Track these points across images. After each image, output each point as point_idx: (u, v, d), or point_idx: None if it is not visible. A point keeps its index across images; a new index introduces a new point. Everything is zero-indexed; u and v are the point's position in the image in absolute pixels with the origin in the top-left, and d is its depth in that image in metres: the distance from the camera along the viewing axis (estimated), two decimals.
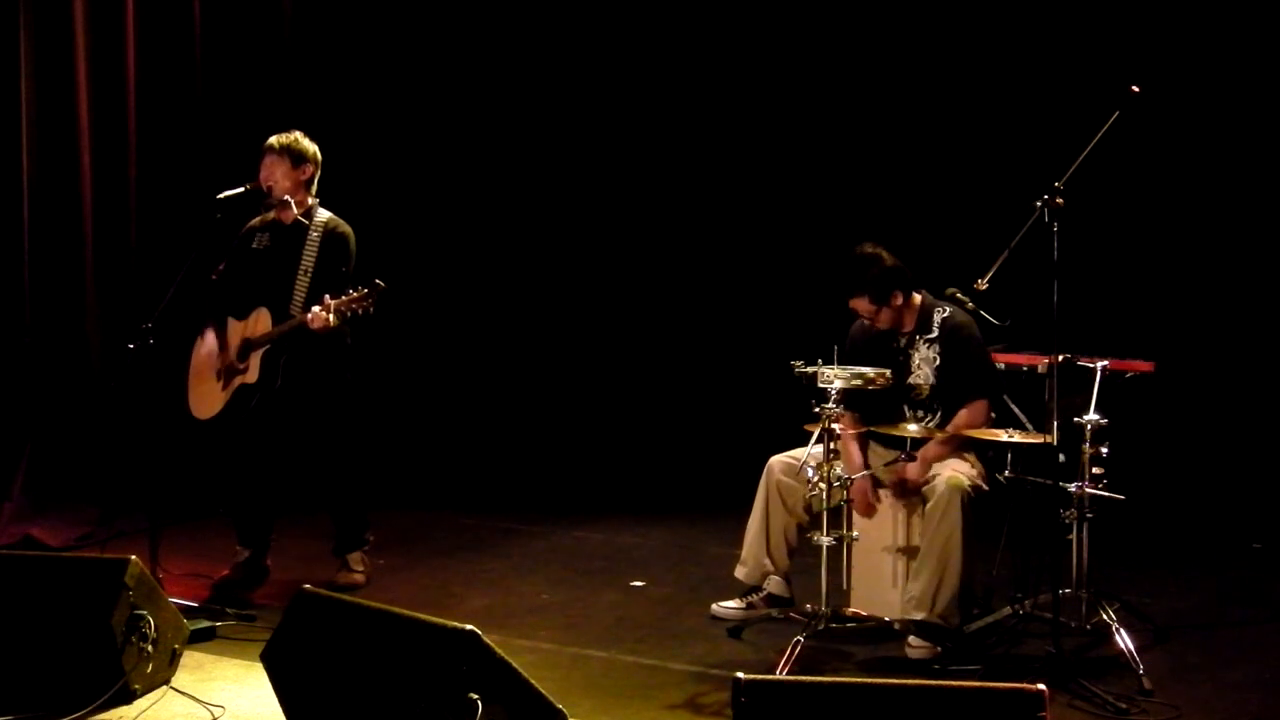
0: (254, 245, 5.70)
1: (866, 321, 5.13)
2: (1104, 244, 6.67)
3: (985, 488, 4.95)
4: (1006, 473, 5.01)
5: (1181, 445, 6.78)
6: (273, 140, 5.63)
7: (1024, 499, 4.98)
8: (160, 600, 4.47)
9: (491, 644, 3.49)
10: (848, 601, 4.95)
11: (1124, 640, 4.66)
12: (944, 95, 7.39)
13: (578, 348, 8.34)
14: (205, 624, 5.03)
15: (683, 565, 6.25)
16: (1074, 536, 4.83)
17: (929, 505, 4.87)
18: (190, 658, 4.69)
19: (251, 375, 5.52)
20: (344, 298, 5.33)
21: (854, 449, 5.07)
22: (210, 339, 5.70)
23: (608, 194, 8.29)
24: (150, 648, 4.33)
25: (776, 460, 5.20)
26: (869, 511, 4.99)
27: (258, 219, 5.74)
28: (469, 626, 3.48)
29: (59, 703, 4.20)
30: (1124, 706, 4.33)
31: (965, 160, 7.25)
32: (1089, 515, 4.81)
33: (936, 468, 4.95)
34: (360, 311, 5.35)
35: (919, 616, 4.81)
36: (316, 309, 5.32)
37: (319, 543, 6.05)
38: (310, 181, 5.67)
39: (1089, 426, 4.79)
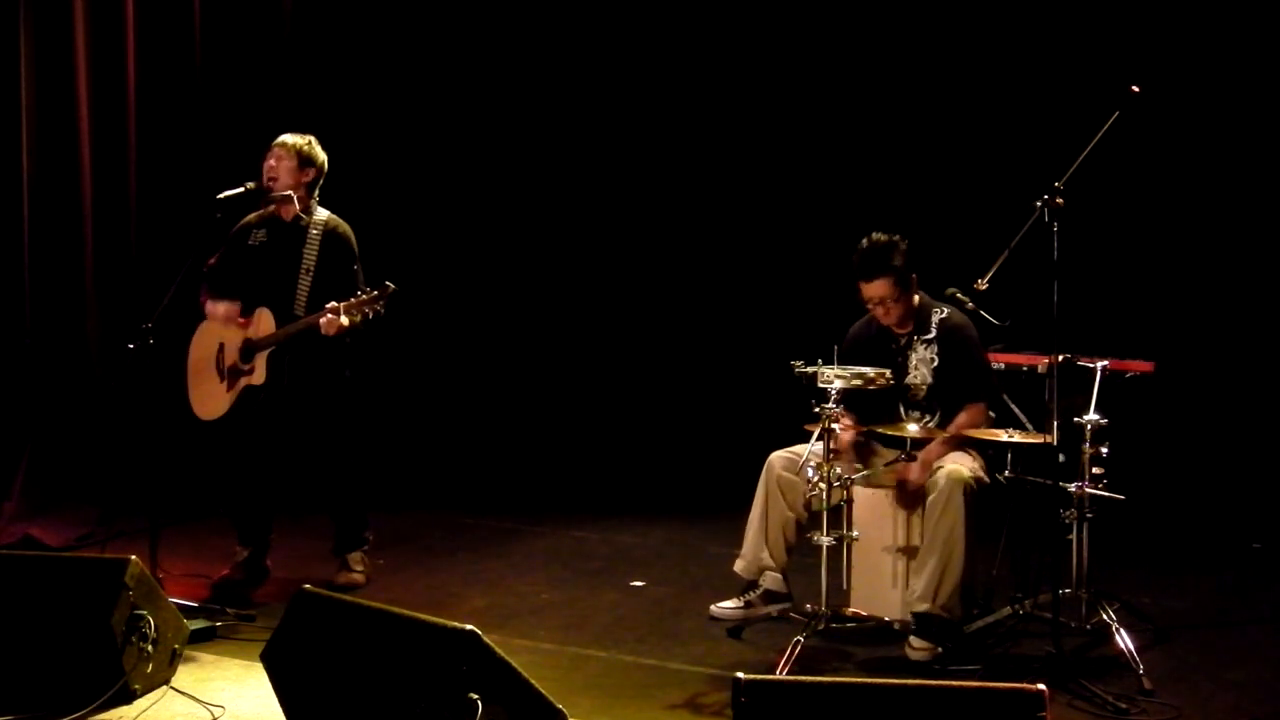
0: (250, 241, 5.68)
1: (877, 310, 5.08)
2: (1104, 244, 6.67)
3: (986, 480, 4.95)
4: (1006, 473, 5.01)
5: (1181, 445, 6.78)
6: (286, 138, 5.62)
7: (1024, 499, 4.97)
8: (160, 600, 4.47)
9: (491, 644, 3.49)
10: (848, 601, 4.94)
11: (1124, 640, 4.66)
12: (944, 95, 7.39)
13: (578, 348, 8.34)
14: (205, 624, 5.03)
15: (683, 565, 6.25)
16: (1074, 536, 4.83)
17: (930, 498, 4.85)
18: (190, 658, 4.69)
19: (258, 377, 5.51)
20: (353, 300, 5.33)
21: (850, 456, 5.08)
22: (205, 336, 5.69)
23: (609, 194, 8.29)
24: (150, 648, 4.33)
25: (777, 456, 5.17)
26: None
27: (254, 215, 5.71)
28: (469, 626, 3.48)
29: (59, 703, 4.20)
30: (1124, 706, 4.33)
31: (965, 160, 7.25)
32: (1089, 515, 4.81)
33: (936, 463, 4.95)
34: (371, 314, 5.35)
35: (922, 609, 4.80)
36: (329, 315, 5.31)
37: (319, 543, 6.05)
38: (312, 185, 5.66)
39: (1089, 426, 4.79)
